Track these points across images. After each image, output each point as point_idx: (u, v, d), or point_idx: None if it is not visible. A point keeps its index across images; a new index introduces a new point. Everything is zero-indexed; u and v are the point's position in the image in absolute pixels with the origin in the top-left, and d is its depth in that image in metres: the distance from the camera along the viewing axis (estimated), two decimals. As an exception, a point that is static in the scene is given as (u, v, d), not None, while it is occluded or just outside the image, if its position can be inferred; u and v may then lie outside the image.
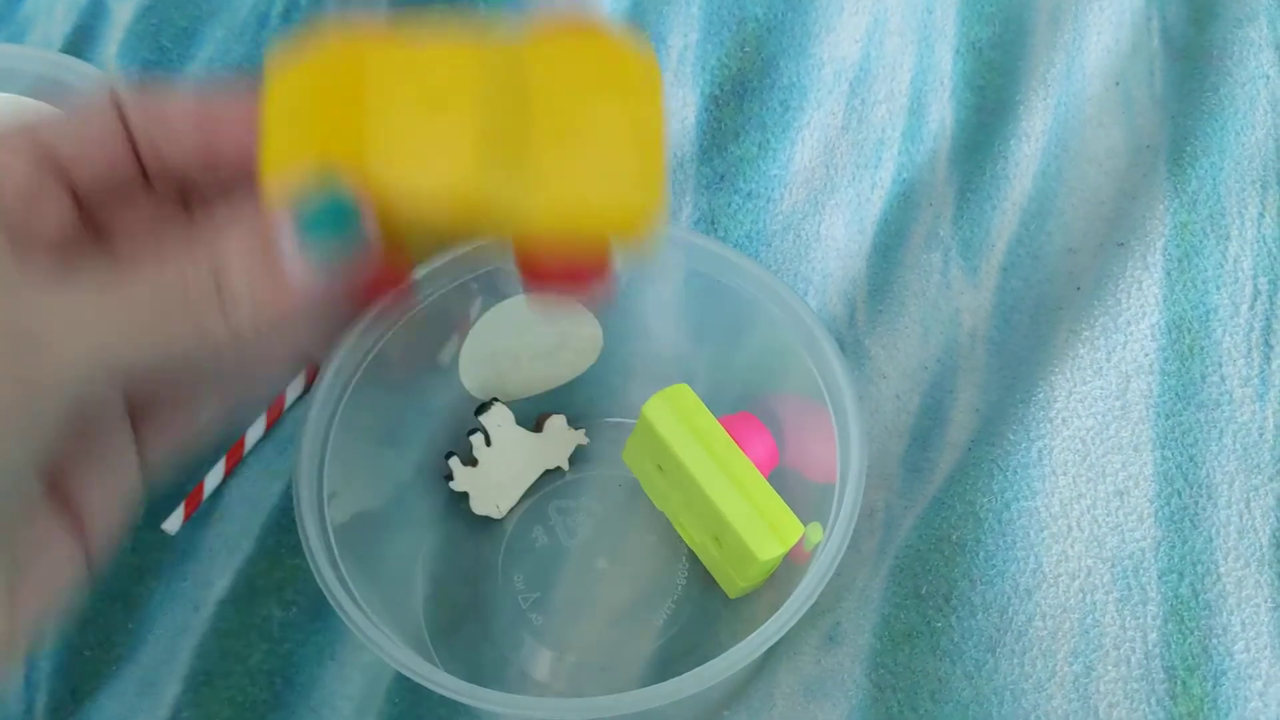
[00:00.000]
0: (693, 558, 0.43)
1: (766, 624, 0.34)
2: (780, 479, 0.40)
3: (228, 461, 0.44)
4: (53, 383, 0.24)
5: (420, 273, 0.39)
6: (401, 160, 0.27)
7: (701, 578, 0.43)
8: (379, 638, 0.34)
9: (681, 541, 0.43)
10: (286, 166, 0.27)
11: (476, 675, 0.36)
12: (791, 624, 0.34)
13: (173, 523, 0.43)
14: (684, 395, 0.40)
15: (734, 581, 0.41)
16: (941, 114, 0.53)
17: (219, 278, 0.24)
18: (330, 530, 0.37)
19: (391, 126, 0.27)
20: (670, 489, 0.41)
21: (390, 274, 0.32)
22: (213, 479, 0.43)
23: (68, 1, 0.55)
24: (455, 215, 0.28)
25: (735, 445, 0.39)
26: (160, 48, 0.54)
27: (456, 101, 0.28)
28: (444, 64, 0.29)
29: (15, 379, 0.23)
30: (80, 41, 0.54)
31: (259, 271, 0.25)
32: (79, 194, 0.29)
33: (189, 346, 0.25)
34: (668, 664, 0.42)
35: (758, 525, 0.38)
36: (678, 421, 0.39)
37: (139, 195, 0.30)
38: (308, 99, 0.28)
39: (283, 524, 0.43)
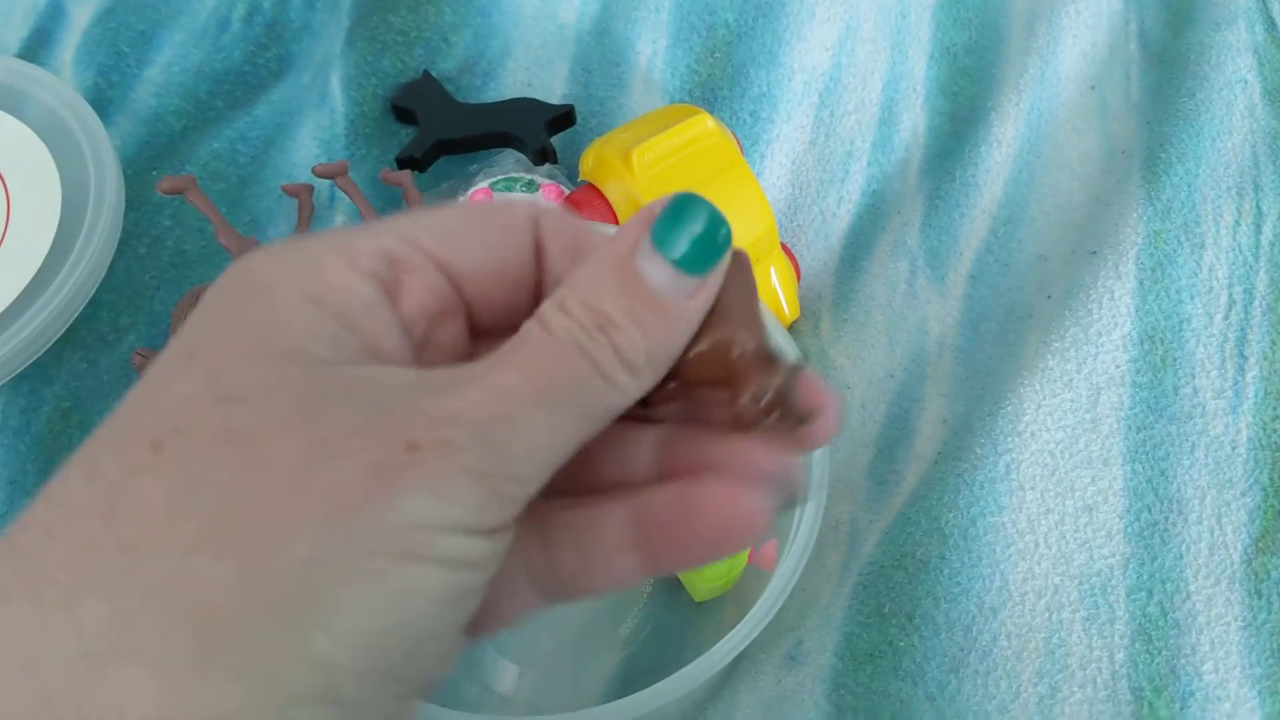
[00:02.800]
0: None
1: (728, 635, 0.34)
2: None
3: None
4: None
5: None
6: None
7: (667, 588, 0.42)
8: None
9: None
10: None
11: (438, 689, 0.35)
12: (754, 635, 0.34)
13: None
14: None
15: (695, 583, 0.40)
16: (914, 121, 0.53)
17: (595, 317, 0.21)
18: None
19: None
20: None
21: None
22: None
23: (26, 5, 0.54)
24: None
25: None
26: (118, 52, 0.53)
27: None
28: None
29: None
30: (37, 47, 0.53)
31: (630, 295, 0.21)
32: (471, 318, 0.24)
33: (602, 401, 0.21)
34: (632, 677, 0.41)
35: None
36: None
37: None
38: None
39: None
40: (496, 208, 0.23)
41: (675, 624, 0.41)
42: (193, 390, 0.20)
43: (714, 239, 0.22)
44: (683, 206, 0.22)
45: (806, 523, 0.36)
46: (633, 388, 0.22)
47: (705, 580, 0.40)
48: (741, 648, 0.34)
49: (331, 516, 0.18)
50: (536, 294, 0.24)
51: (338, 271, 0.21)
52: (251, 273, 0.22)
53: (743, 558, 0.39)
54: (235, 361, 0.20)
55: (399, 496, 0.19)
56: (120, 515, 0.19)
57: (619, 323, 0.21)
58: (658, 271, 0.21)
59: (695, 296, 0.22)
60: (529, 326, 0.21)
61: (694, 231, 0.22)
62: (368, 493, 0.19)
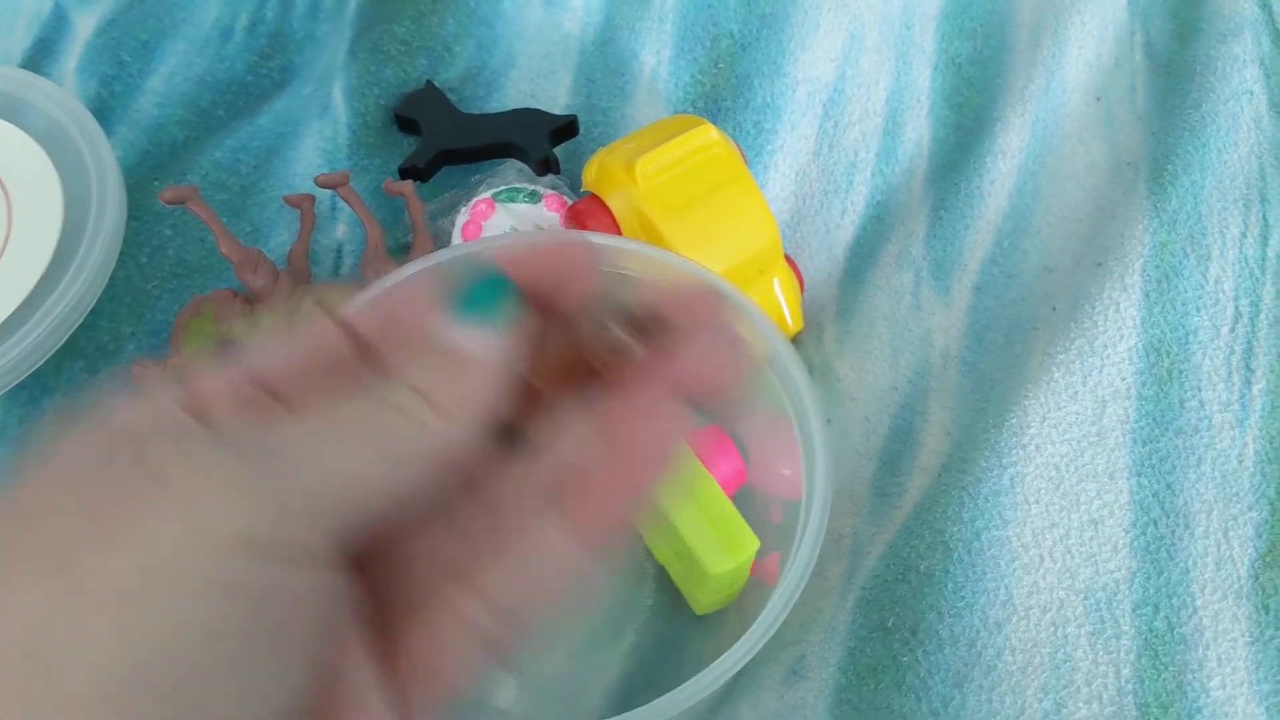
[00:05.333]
0: (660, 578, 0.42)
1: (730, 650, 0.33)
2: (748, 498, 0.40)
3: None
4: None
5: (386, 284, 0.38)
6: None
7: (669, 600, 0.42)
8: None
9: (649, 562, 0.42)
10: None
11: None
12: (756, 650, 0.33)
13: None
14: None
15: (697, 597, 0.40)
16: (919, 132, 0.52)
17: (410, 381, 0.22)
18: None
19: None
20: None
21: None
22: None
23: (29, 15, 0.54)
24: None
25: (696, 460, 0.39)
26: (120, 62, 0.53)
27: None
28: None
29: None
30: (40, 56, 0.53)
31: (437, 358, 0.22)
32: None
33: (419, 451, 0.21)
34: (633, 692, 0.40)
35: (709, 539, 0.38)
36: None
37: None
38: None
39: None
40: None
41: (676, 638, 0.41)
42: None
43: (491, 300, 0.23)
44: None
45: (810, 536, 0.35)
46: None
47: (707, 594, 0.39)
48: (743, 663, 0.34)
49: None
50: None
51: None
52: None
53: (745, 572, 0.39)
54: None
55: None
56: None
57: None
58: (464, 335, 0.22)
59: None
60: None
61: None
62: None
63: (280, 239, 0.48)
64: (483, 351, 0.22)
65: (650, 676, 0.40)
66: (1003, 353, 0.46)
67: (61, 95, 0.48)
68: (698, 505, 0.38)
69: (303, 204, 0.47)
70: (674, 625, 0.41)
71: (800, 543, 0.36)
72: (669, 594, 0.42)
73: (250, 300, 0.45)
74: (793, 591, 0.34)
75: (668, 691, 0.33)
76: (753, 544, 0.38)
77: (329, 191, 0.48)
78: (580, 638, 0.42)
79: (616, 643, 0.41)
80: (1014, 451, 0.41)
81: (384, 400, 0.21)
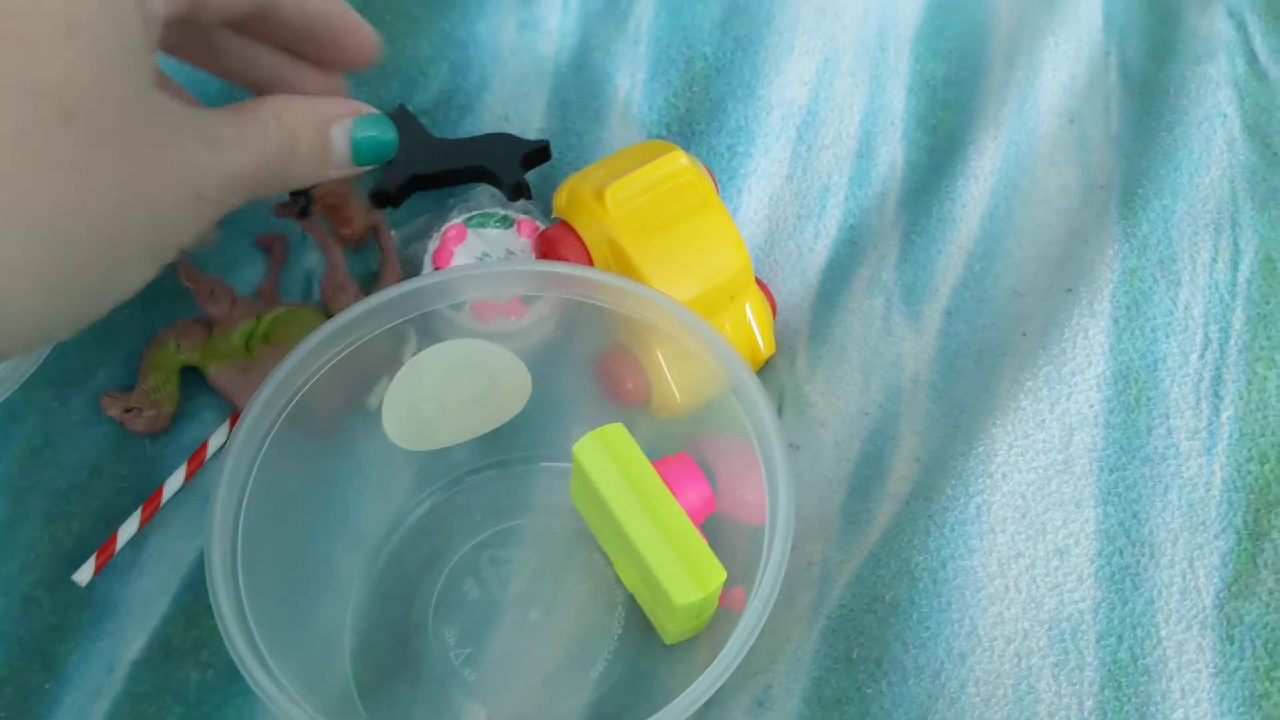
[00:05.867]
0: (629, 606, 0.42)
1: (698, 680, 0.33)
2: (718, 526, 0.40)
3: (144, 512, 0.43)
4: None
5: (353, 314, 0.39)
6: None
7: (639, 629, 0.42)
8: (293, 711, 0.33)
9: (618, 590, 0.42)
10: None
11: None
12: (722, 680, 0.33)
13: (83, 574, 0.41)
14: (617, 435, 0.39)
15: (665, 627, 0.40)
16: (892, 155, 0.52)
17: (292, 151, 0.34)
18: (243, 594, 0.35)
19: None
20: (608, 531, 0.40)
21: None
22: (127, 530, 0.42)
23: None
24: None
25: (664, 487, 0.39)
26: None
27: None
28: None
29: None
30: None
31: (320, 151, 0.35)
32: None
33: (269, 189, 0.34)
34: (602, 716, 0.40)
35: (676, 569, 0.37)
36: (609, 461, 0.39)
37: None
38: None
39: (201, 580, 0.42)
40: None
41: (646, 666, 0.41)
42: (83, 81, 0.27)
43: (380, 158, 0.38)
44: (382, 134, 0.38)
45: (773, 563, 0.35)
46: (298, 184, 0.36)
47: (675, 624, 0.39)
48: (711, 692, 0.34)
49: (150, 220, 0.30)
50: None
51: None
52: None
53: (713, 602, 0.39)
54: (102, 72, 0.28)
55: (181, 230, 0.31)
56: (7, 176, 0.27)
57: (302, 153, 0.34)
58: (340, 147, 0.36)
59: (345, 172, 0.37)
60: (255, 119, 0.33)
61: (374, 151, 0.38)
62: (171, 220, 0.31)
63: (253, 271, 0.48)
64: (332, 171, 0.37)
65: (620, 705, 0.41)
66: (972, 378, 0.46)
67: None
68: (665, 535, 0.38)
69: (274, 244, 0.47)
70: (643, 655, 0.41)
71: (765, 569, 0.36)
72: (638, 623, 0.42)
73: (210, 325, 0.45)
74: (757, 621, 0.34)
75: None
76: (719, 575, 0.38)
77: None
78: (550, 665, 0.42)
79: (586, 672, 0.41)
80: (980, 480, 0.41)
81: (288, 152, 0.34)
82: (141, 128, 0.29)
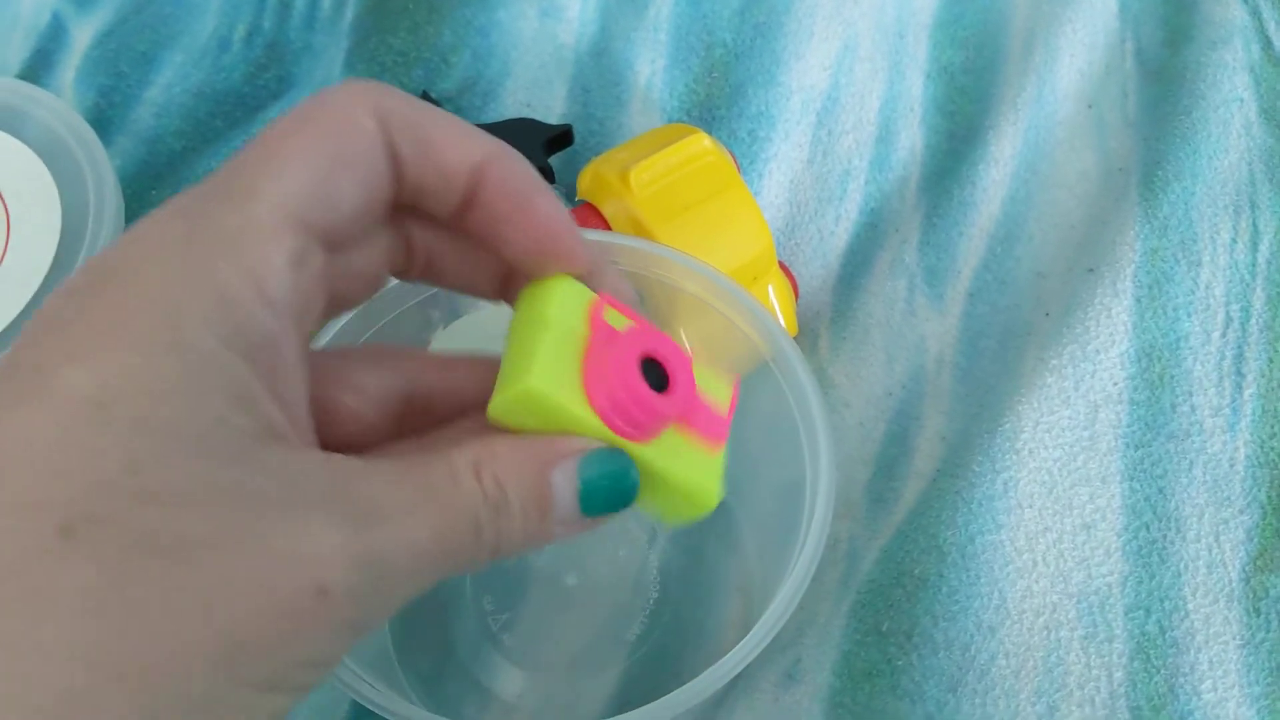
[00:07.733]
0: (664, 571, 0.42)
1: (730, 653, 0.33)
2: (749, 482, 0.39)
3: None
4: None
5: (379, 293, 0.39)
6: None
7: (674, 593, 0.42)
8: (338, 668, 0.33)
9: (651, 557, 0.42)
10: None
11: (444, 698, 0.35)
12: (755, 654, 0.33)
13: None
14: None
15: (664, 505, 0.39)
16: (911, 140, 0.53)
17: (497, 495, 0.23)
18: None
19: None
20: None
21: None
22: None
23: (27, 26, 0.54)
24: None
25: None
26: (118, 73, 0.53)
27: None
28: None
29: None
30: (38, 67, 0.54)
31: (531, 498, 0.23)
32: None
33: (457, 569, 0.23)
34: (636, 681, 0.41)
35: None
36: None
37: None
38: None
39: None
40: (339, 131, 0.22)
41: (682, 629, 0.41)
42: (106, 475, 0.18)
43: (617, 506, 0.24)
44: (619, 474, 0.24)
45: (812, 540, 0.35)
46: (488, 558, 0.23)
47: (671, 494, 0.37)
48: (742, 666, 0.34)
49: (228, 654, 0.18)
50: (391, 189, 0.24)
51: (248, 304, 0.20)
52: (152, 283, 0.20)
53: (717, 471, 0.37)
54: (153, 445, 0.19)
55: (296, 644, 0.19)
56: (6, 605, 0.17)
57: (513, 512, 0.23)
58: (564, 497, 0.23)
59: (571, 529, 0.24)
60: (442, 474, 0.22)
61: (610, 497, 0.24)
62: (269, 637, 0.19)
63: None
64: (564, 530, 0.24)
65: (658, 665, 0.41)
66: (996, 358, 0.46)
67: (59, 106, 0.48)
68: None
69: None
70: (677, 623, 0.42)
71: (803, 546, 0.35)
72: (672, 592, 0.42)
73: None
74: (794, 594, 0.34)
75: (667, 693, 0.33)
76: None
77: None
78: (587, 631, 0.42)
79: (624, 633, 0.41)
80: (1007, 457, 0.42)
81: (475, 524, 0.23)
82: (213, 519, 0.19)
